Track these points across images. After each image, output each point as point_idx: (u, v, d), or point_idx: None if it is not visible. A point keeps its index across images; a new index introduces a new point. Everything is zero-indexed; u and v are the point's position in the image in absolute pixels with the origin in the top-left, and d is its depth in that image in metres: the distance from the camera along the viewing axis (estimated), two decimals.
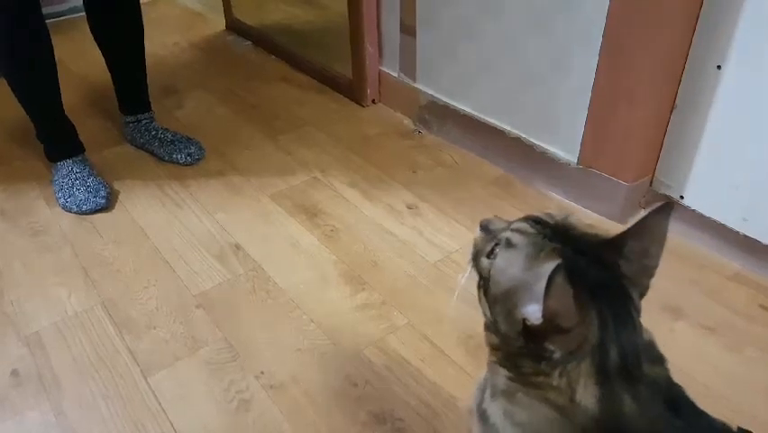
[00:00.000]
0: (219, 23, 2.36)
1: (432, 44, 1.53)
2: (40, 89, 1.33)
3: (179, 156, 1.50)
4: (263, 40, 2.17)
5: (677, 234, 1.18)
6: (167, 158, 1.51)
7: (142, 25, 1.45)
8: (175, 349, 1.01)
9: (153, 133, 1.54)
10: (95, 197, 1.34)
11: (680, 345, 0.99)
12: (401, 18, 1.58)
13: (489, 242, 0.54)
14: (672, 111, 1.16)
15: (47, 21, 1.27)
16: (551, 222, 0.52)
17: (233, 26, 2.31)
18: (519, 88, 1.35)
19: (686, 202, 1.19)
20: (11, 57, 1.25)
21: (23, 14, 1.21)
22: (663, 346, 0.49)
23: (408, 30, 1.57)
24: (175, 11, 2.56)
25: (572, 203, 1.33)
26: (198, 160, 1.51)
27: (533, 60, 1.29)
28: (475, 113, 1.49)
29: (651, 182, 1.25)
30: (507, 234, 0.52)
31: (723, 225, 1.14)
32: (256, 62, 2.10)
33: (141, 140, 1.54)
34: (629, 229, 0.49)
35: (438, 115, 1.59)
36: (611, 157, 1.23)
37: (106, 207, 1.35)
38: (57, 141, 1.40)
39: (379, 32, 1.67)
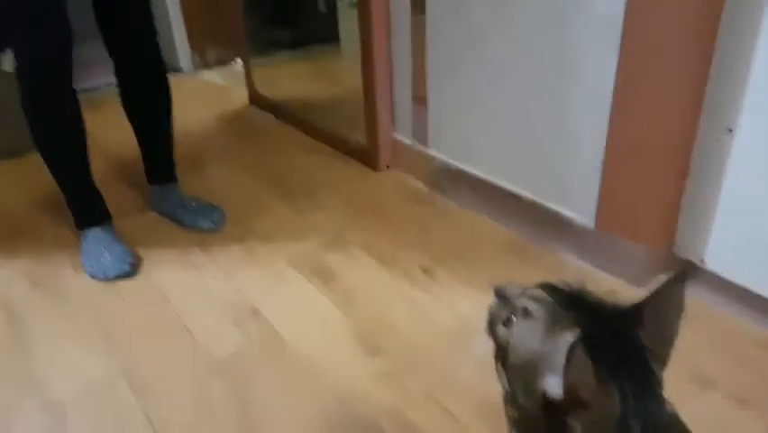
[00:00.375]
0: (243, 98, 2.48)
1: (442, 112, 1.59)
2: (70, 161, 1.40)
3: (203, 223, 1.55)
4: (283, 112, 2.27)
5: (700, 299, 1.16)
6: (190, 224, 1.56)
7: (171, 100, 1.54)
8: (192, 416, 1.02)
9: (178, 201, 1.60)
10: (120, 263, 1.38)
11: (708, 418, 0.94)
12: (413, 89, 1.66)
13: (505, 309, 0.53)
14: (686, 175, 1.17)
15: (79, 95, 1.36)
16: (567, 289, 0.51)
17: (256, 100, 2.43)
18: (530, 153, 1.39)
19: (708, 266, 1.17)
20: (44, 130, 1.34)
21: (58, 89, 1.31)
22: (690, 420, 0.47)
23: (420, 99, 1.65)
24: (202, 86, 2.70)
25: (591, 267, 1.32)
26: (221, 226, 1.56)
27: (542, 125, 1.34)
28: (487, 176, 1.52)
29: (671, 246, 1.24)
30: (524, 302, 0.51)
31: (747, 289, 1.11)
32: (276, 133, 2.19)
33: (167, 208, 1.60)
34: (646, 297, 0.48)
35: (451, 180, 1.63)
36: (628, 221, 1.23)
37: (131, 273, 1.39)
38: (85, 209, 1.47)
39: (392, 102, 1.75)
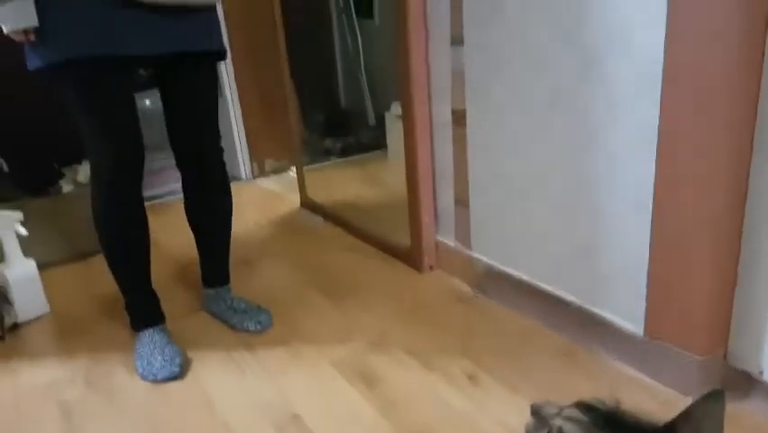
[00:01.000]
0: (295, 202, 2.61)
1: (484, 215, 1.63)
2: (132, 267, 1.49)
3: (250, 324, 1.59)
4: (332, 215, 2.36)
5: (759, 414, 1.08)
6: (239, 326, 1.60)
7: (232, 213, 1.62)
8: None
9: (229, 303, 1.65)
10: (170, 365, 1.42)
11: None
12: (455, 193, 1.71)
13: (541, 429, 0.53)
14: (736, 278, 1.14)
15: (148, 202, 1.46)
16: (602, 408, 0.51)
17: (307, 204, 2.54)
18: (574, 256, 1.39)
19: (766, 377, 1.10)
20: (111, 237, 1.44)
21: (127, 199, 1.41)
22: None
23: (462, 202, 1.69)
24: (258, 193, 2.87)
25: (642, 375, 1.26)
26: (267, 327, 1.60)
27: (585, 228, 1.34)
28: (531, 280, 1.52)
29: (725, 355, 1.18)
30: (559, 422, 0.51)
31: None
32: (324, 235, 2.27)
33: (218, 309, 1.66)
34: (679, 416, 0.47)
35: (495, 282, 1.63)
36: (678, 328, 1.19)
37: (179, 375, 1.43)
38: (141, 312, 1.54)
39: (435, 205, 1.80)
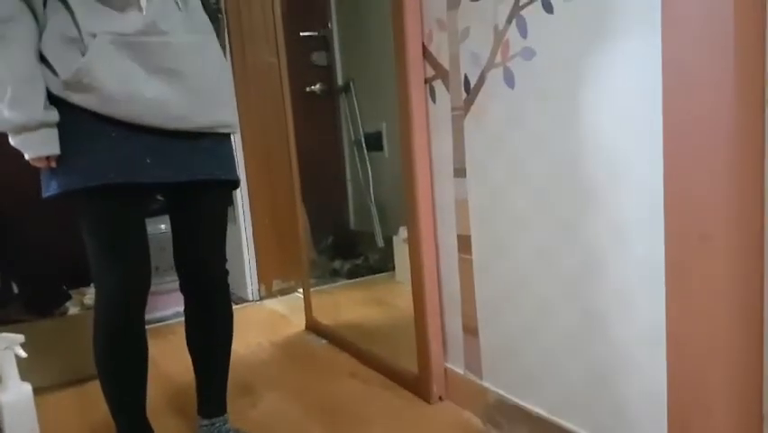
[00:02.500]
0: (300, 324, 2.58)
1: (495, 343, 1.59)
2: (127, 392, 1.44)
3: None
4: (337, 338, 2.32)
5: None
6: None
7: (232, 334, 1.59)
8: None
9: None
10: None
11: None
12: (463, 319, 1.69)
13: None
14: (761, 414, 1.08)
15: (152, 325, 1.45)
16: None
17: (312, 326, 2.51)
18: (588, 388, 1.34)
19: None
20: (106, 359, 1.40)
21: (129, 323, 1.39)
22: None
23: (471, 329, 1.66)
24: (264, 314, 2.84)
25: None
26: None
27: (599, 359, 1.30)
28: (546, 414, 1.45)
29: None
30: None
31: None
32: (328, 359, 2.21)
33: None
34: None
35: (508, 415, 1.55)
36: None
37: None
38: None
39: (444, 332, 1.77)
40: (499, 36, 1.41)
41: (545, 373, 1.44)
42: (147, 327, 1.50)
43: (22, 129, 1.21)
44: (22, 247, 2.47)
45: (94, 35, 1.19)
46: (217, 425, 1.59)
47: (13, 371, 1.78)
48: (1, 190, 2.57)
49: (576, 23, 1.23)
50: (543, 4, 1.29)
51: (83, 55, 1.19)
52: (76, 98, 1.22)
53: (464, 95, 1.54)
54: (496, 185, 1.49)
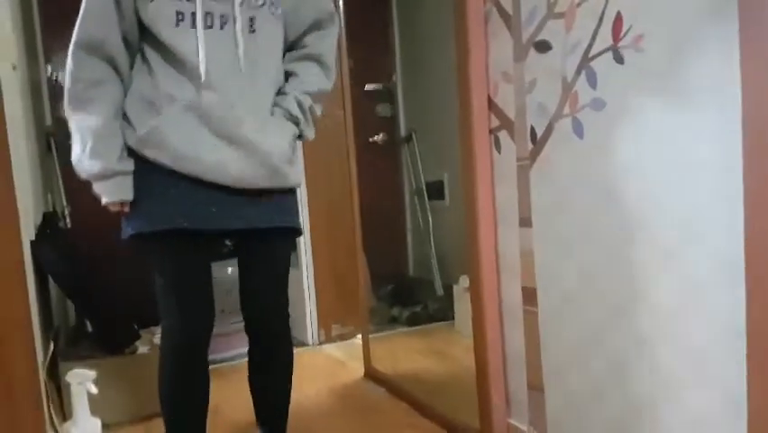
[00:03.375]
0: (358, 371, 2.56)
1: (562, 402, 1.53)
2: (188, 426, 1.47)
3: None
4: (396, 388, 2.29)
5: None
6: None
7: (291, 376, 1.61)
8: None
9: None
10: None
11: None
12: (528, 376, 1.63)
13: None
14: None
15: (216, 365, 1.48)
16: None
17: (371, 374, 2.49)
18: None
19: None
20: (169, 396, 1.45)
21: (192, 364, 1.44)
22: None
23: (536, 386, 1.61)
24: (322, 360, 2.85)
25: None
26: None
27: (673, 426, 1.23)
28: None
29: None
30: None
31: None
32: (387, 410, 2.18)
33: None
34: None
35: None
36: None
37: None
38: None
39: (506, 386, 1.72)
40: (568, 87, 1.41)
41: None
42: (211, 366, 1.54)
43: (100, 177, 1.34)
44: (97, 287, 2.60)
45: (171, 99, 1.32)
46: None
47: (84, 406, 1.85)
48: (81, 233, 2.74)
49: (647, 75, 1.22)
50: (613, 56, 1.29)
51: (158, 115, 1.32)
52: (149, 153, 1.35)
53: (530, 145, 1.54)
54: (564, 237, 1.47)
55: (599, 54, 1.32)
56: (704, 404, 1.16)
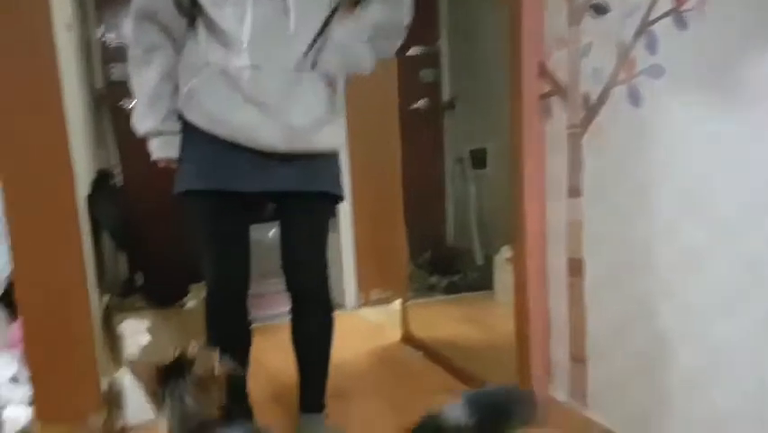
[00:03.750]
0: (396, 335, 2.59)
1: (605, 375, 1.52)
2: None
3: None
4: (433, 352, 2.31)
5: None
6: None
7: (331, 335, 1.65)
8: None
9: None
10: None
11: None
12: (570, 348, 1.62)
13: None
14: None
15: (259, 323, 1.54)
16: None
17: (408, 338, 2.52)
18: (709, 430, 1.24)
19: None
20: (214, 340, 1.50)
21: (227, 312, 1.53)
22: None
23: (579, 358, 1.60)
24: (361, 323, 2.90)
25: None
26: None
27: (724, 404, 1.21)
28: None
29: None
30: None
31: None
32: (424, 373, 2.21)
33: None
34: None
35: None
36: None
37: None
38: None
39: (547, 356, 1.71)
40: (625, 52, 1.36)
41: (660, 413, 1.35)
42: (256, 324, 1.61)
43: (147, 135, 1.47)
44: (148, 241, 2.68)
45: (207, 64, 1.39)
46: (314, 420, 1.65)
47: (136, 355, 1.94)
48: (133, 189, 2.83)
49: (711, 42, 1.16)
50: (675, 20, 1.23)
51: (195, 78, 1.40)
52: (188, 114, 1.43)
53: (583, 112, 1.49)
54: (616, 208, 1.43)
55: (660, 18, 1.26)
56: (758, 383, 1.14)
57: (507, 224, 1.77)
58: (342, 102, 1.52)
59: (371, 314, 3.01)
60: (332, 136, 1.50)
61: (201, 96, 1.40)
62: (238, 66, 1.36)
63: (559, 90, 1.56)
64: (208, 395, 1.01)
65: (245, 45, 1.35)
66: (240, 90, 1.37)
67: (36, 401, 1.68)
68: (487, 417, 0.84)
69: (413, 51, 3.20)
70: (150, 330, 1.94)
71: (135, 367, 1.05)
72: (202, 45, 1.41)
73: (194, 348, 1.05)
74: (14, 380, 1.84)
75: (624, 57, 1.36)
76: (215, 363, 1.05)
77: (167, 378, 1.01)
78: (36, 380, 1.67)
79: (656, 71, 1.29)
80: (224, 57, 1.37)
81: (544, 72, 1.60)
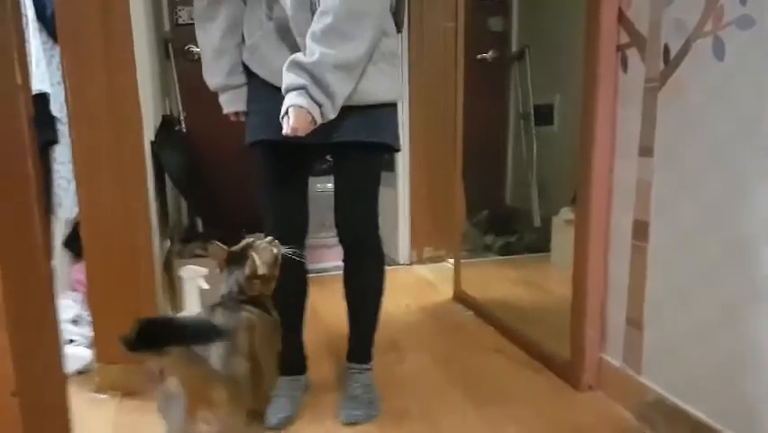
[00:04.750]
0: (447, 293, 2.60)
1: (662, 340, 1.47)
2: (285, 316, 1.55)
3: (342, 413, 1.58)
4: (485, 312, 2.30)
5: None
6: (338, 410, 1.60)
7: (381, 290, 1.65)
8: None
9: (355, 384, 1.65)
10: (276, 413, 1.50)
11: None
12: (627, 312, 1.57)
13: None
14: None
15: (316, 274, 1.55)
16: None
17: (459, 297, 2.51)
18: (761, 404, 1.18)
19: None
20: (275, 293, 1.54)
21: (291, 264, 1.51)
22: None
23: (635, 322, 1.55)
24: (412, 278, 2.91)
25: None
26: (353, 424, 1.55)
27: None
28: (712, 421, 1.31)
29: None
30: None
31: None
32: (475, 331, 2.20)
33: (345, 388, 1.67)
34: None
35: (667, 416, 1.43)
36: None
37: (278, 427, 1.50)
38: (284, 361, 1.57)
39: (603, 320, 1.67)
40: (713, 1, 1.25)
41: (716, 380, 1.30)
42: (312, 274, 1.63)
43: (216, 89, 1.52)
44: (211, 191, 2.75)
45: (269, 18, 1.40)
46: (359, 371, 1.67)
47: (195, 299, 2.02)
48: (196, 137, 2.89)
49: None
50: None
51: (259, 31, 1.42)
52: (253, 66, 1.45)
53: (662, 66, 1.40)
54: (689, 169, 1.35)
55: None
56: None
57: (568, 185, 1.70)
58: (396, 52, 1.48)
59: (424, 271, 3.02)
60: (389, 86, 1.47)
61: (263, 48, 1.41)
62: (287, 18, 1.35)
63: (638, 41, 1.46)
64: (254, 284, 1.20)
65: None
66: (296, 46, 1.35)
67: (97, 343, 1.73)
68: None
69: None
70: (207, 278, 2.01)
71: (212, 249, 1.22)
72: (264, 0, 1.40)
73: (260, 241, 1.24)
74: (75, 322, 1.94)
75: (711, 6, 1.25)
76: (275, 255, 1.25)
77: (232, 261, 1.21)
78: (97, 322, 1.70)
79: (745, 22, 1.18)
80: (282, 11, 1.36)
81: (623, 20, 1.50)
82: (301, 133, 1.29)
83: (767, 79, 1.15)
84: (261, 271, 1.19)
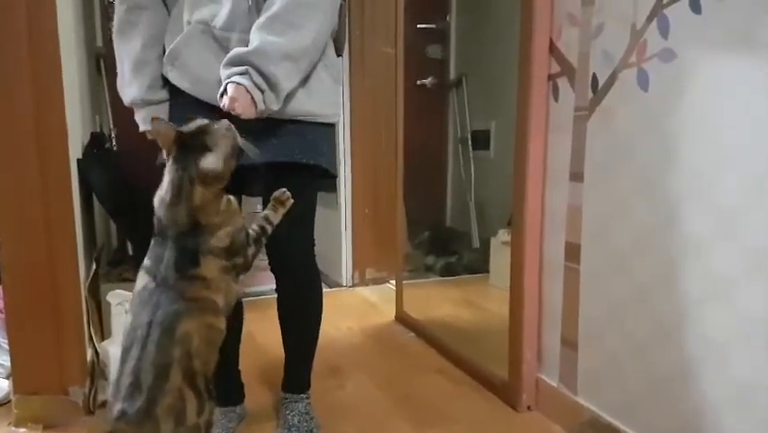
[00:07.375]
0: (390, 314, 2.59)
1: (596, 361, 1.51)
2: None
3: None
4: (426, 333, 2.30)
5: None
6: None
7: (316, 316, 1.57)
8: None
9: (292, 413, 1.57)
10: None
11: None
12: (562, 333, 1.61)
13: None
14: None
15: (252, 298, 1.49)
16: None
17: (401, 318, 2.51)
18: (699, 420, 1.23)
19: None
20: None
21: None
22: None
23: (570, 343, 1.58)
24: (355, 300, 2.88)
25: None
26: None
27: (716, 392, 1.19)
28: None
29: None
30: None
31: None
32: (416, 353, 2.20)
33: (284, 416, 1.58)
34: None
35: None
36: None
37: None
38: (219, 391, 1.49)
39: (539, 341, 1.70)
40: (637, 35, 1.32)
41: (649, 398, 1.34)
42: (247, 299, 1.58)
43: (133, 105, 1.39)
44: (140, 209, 2.64)
45: (190, 22, 1.30)
46: (294, 402, 1.59)
47: (122, 326, 1.91)
48: (127, 155, 2.78)
49: (726, 27, 1.13)
50: (690, 4, 1.19)
51: (180, 34, 1.31)
52: (172, 76, 1.34)
53: (590, 94, 1.46)
54: (618, 194, 1.40)
55: (675, 1, 1.22)
56: (749, 373, 1.12)
57: (505, 207, 1.74)
58: (338, 68, 1.45)
59: (366, 292, 3.00)
60: (322, 102, 1.40)
61: (184, 56, 1.30)
62: (220, 26, 1.28)
63: (568, 71, 1.52)
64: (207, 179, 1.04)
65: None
66: (225, 51, 1.26)
67: (15, 373, 1.60)
68: None
69: (422, 26, 3.13)
70: None
71: (158, 126, 1.03)
72: (187, 4, 1.31)
73: (218, 125, 1.07)
74: None
75: (635, 39, 1.32)
76: (236, 140, 1.08)
77: (182, 145, 1.04)
78: (15, 350, 1.59)
79: (667, 55, 1.25)
80: (207, 14, 1.28)
81: (554, 51, 1.56)
82: (241, 111, 1.20)
83: (687, 111, 1.22)
84: (219, 166, 1.03)
